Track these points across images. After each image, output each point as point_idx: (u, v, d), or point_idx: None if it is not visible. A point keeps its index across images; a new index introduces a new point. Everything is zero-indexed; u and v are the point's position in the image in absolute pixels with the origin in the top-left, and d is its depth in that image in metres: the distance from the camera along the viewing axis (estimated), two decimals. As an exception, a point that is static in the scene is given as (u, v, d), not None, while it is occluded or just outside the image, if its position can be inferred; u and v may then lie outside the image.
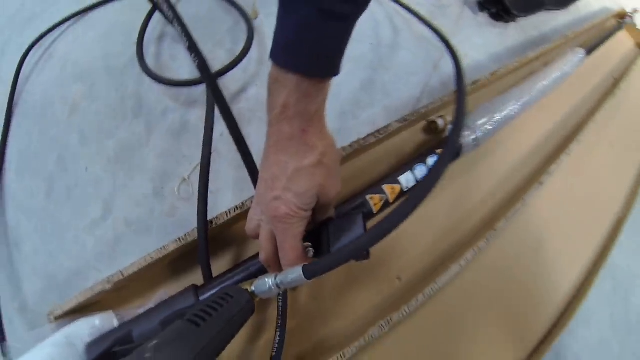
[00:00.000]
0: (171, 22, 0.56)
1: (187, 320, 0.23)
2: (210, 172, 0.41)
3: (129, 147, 0.54)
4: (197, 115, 0.55)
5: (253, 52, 0.61)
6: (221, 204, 0.49)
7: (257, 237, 0.33)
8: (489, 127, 0.50)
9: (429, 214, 0.49)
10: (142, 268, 0.38)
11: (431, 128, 0.54)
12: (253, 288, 0.28)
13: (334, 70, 0.28)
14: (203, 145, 0.42)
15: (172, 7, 0.43)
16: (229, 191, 0.50)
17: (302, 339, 0.40)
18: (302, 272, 0.26)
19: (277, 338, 0.35)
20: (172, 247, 0.38)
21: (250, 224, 0.33)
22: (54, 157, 0.55)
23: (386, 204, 0.39)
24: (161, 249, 0.38)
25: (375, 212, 0.38)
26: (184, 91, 0.57)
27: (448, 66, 0.70)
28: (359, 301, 0.43)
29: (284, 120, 0.28)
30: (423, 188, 0.26)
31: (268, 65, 0.28)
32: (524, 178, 0.58)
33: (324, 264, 0.26)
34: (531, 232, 0.55)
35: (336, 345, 0.39)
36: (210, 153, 0.42)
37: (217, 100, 0.38)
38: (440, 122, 0.53)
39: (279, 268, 0.31)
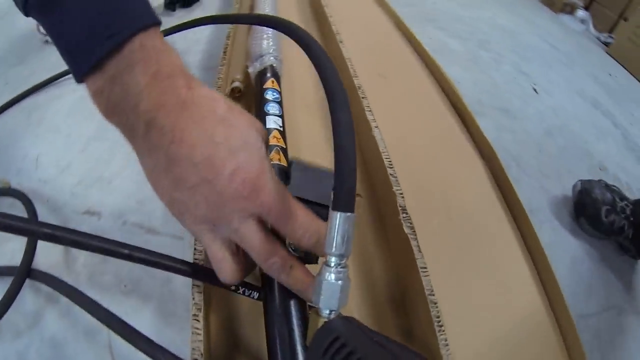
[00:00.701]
0: None
1: None
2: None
3: None
4: (54, 317, 0.39)
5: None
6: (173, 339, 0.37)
7: (241, 275, 0.24)
8: (271, 43, 0.50)
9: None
10: None
11: (236, 96, 0.51)
12: (327, 311, 0.20)
13: (155, 15, 0.22)
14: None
15: None
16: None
17: (382, 320, 0.34)
18: (341, 213, 0.19)
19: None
20: None
21: (225, 270, 0.23)
22: None
23: (284, 150, 0.35)
24: None
25: (288, 163, 0.33)
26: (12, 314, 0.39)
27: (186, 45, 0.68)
28: (367, 245, 0.39)
29: (160, 89, 0.20)
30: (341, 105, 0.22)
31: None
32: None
33: (344, 180, 0.19)
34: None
35: (405, 296, 0.35)
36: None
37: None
38: (237, 84, 0.51)
39: (308, 275, 0.23)
